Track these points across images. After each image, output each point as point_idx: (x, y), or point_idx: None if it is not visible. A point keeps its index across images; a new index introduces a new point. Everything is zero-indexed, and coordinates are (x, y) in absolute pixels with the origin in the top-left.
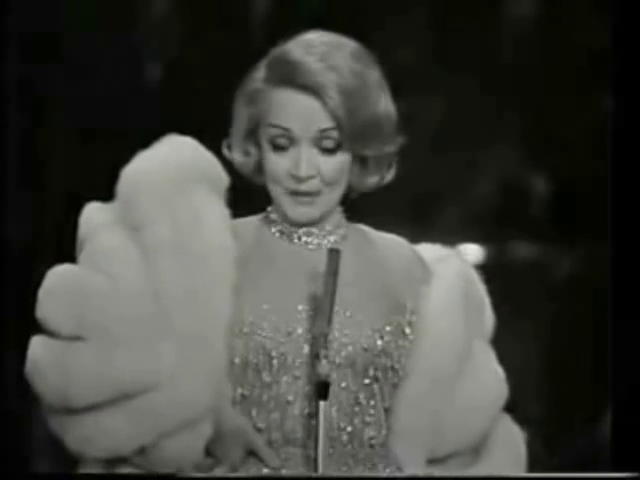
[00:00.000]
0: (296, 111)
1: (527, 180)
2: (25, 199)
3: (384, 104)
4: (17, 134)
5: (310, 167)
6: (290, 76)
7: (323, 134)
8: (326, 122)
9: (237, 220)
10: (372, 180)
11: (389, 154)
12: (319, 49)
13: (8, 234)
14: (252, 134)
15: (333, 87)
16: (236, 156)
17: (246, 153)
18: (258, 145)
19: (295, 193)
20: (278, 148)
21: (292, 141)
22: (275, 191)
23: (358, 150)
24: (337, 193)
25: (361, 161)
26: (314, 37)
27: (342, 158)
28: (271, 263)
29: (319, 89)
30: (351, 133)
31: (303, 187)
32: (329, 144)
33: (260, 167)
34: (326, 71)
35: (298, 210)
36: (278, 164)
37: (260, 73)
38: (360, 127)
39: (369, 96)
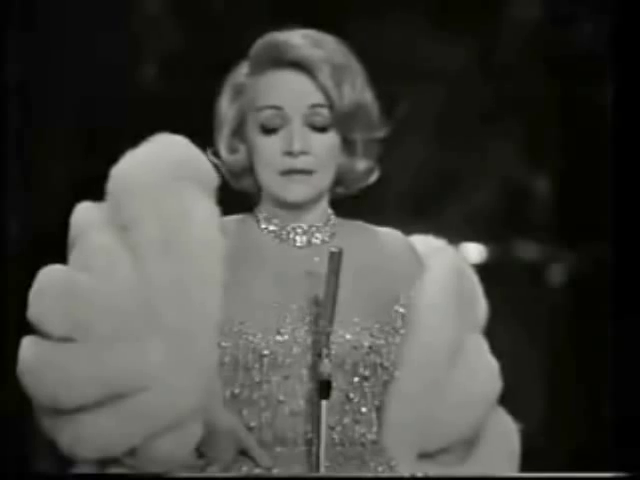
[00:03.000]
0: (287, 89)
1: (529, 180)
2: (25, 199)
3: (367, 92)
4: (17, 134)
5: (303, 143)
6: (277, 55)
7: (314, 110)
8: (316, 97)
9: (226, 218)
10: (360, 167)
11: (375, 141)
12: (302, 32)
13: (8, 234)
14: (239, 130)
15: (322, 61)
16: (224, 155)
17: (233, 150)
18: (245, 140)
19: (289, 172)
20: (269, 131)
21: (284, 120)
22: (268, 176)
23: (346, 131)
24: (328, 175)
25: (349, 146)
26: (295, 31)
27: (332, 138)
28: (260, 261)
29: (308, 63)
30: (340, 111)
31: (297, 164)
32: (319, 121)
33: (248, 165)
34: (313, 47)
35: (292, 189)
36: (270, 146)
37: (243, 68)
38: (349, 106)
39: (355, 76)
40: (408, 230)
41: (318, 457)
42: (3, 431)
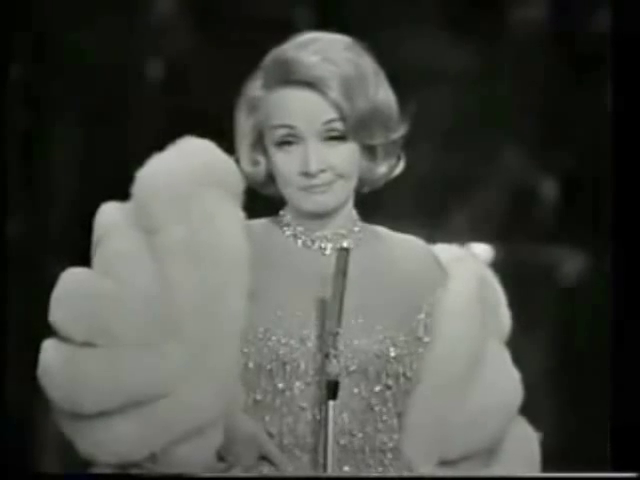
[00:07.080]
0: (298, 107)
1: (532, 181)
2: (25, 199)
3: (383, 92)
4: (18, 134)
5: (319, 161)
6: (287, 74)
7: (327, 126)
8: (329, 113)
9: (250, 222)
10: (381, 170)
11: (396, 142)
12: (312, 45)
13: (8, 234)
14: (258, 143)
15: (331, 77)
16: (245, 167)
17: (255, 163)
18: (265, 153)
19: (309, 187)
20: (285, 149)
21: (298, 138)
22: (288, 191)
23: (364, 139)
24: (350, 183)
25: (369, 151)
26: (306, 37)
27: (350, 148)
28: (284, 267)
29: (318, 82)
30: (355, 122)
31: (316, 181)
32: (336, 134)
33: (270, 175)
34: (322, 63)
35: (312, 200)
36: (287, 164)
37: (257, 81)
38: (362, 115)
39: (367, 84)
40: (413, 232)
41: (325, 458)
42: (3, 431)
